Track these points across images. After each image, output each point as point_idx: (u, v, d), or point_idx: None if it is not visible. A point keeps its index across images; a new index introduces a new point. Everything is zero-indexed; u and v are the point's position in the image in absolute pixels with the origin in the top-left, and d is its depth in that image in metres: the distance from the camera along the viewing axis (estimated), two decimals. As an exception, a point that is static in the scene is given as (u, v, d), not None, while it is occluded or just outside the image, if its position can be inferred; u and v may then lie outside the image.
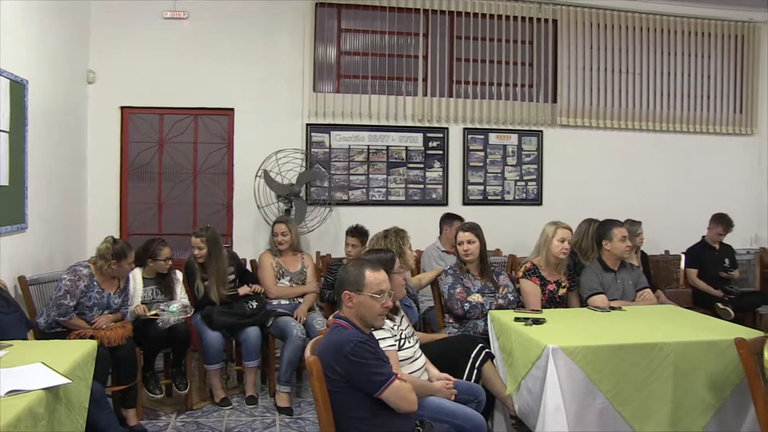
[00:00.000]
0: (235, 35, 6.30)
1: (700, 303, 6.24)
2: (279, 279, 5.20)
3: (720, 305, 6.03)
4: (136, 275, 4.63)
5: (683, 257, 6.76)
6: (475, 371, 3.68)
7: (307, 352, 2.80)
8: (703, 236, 6.61)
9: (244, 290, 4.96)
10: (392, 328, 3.24)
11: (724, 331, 3.66)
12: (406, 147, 6.68)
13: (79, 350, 3.10)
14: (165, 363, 4.86)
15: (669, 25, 7.35)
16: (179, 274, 4.88)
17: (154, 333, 4.37)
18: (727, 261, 6.47)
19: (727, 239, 6.59)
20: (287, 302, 5.14)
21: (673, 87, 7.40)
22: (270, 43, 6.37)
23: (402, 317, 3.47)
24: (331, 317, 3.01)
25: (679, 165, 7.41)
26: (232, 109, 6.34)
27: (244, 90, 6.32)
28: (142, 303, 4.54)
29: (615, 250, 4.63)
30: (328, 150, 6.52)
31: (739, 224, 6.67)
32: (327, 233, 6.36)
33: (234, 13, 6.29)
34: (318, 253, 6.20)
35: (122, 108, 6.15)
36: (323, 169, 6.45)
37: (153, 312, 4.45)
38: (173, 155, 6.29)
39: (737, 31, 7.57)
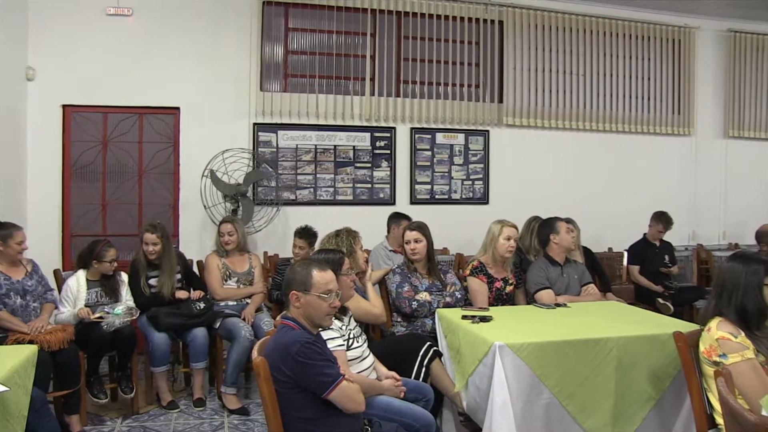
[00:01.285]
0: (180, 33, 6.21)
1: (642, 298, 6.42)
2: (226, 280, 5.14)
3: (660, 300, 6.21)
4: (80, 277, 4.53)
5: (626, 254, 6.93)
6: (424, 369, 3.71)
7: (255, 353, 2.78)
8: (645, 234, 6.80)
9: (181, 294, 4.87)
10: (341, 328, 3.24)
11: (663, 325, 3.77)
12: (354, 146, 6.69)
13: (17, 356, 3.02)
14: (110, 366, 4.75)
15: (610, 28, 7.54)
16: (124, 276, 4.78)
17: (98, 336, 4.27)
18: (666, 257, 6.67)
19: (667, 236, 6.80)
20: (235, 303, 5.08)
21: (615, 88, 7.59)
22: (216, 41, 6.30)
23: (350, 317, 3.47)
24: (278, 317, 2.99)
25: (621, 164, 7.61)
26: (178, 108, 6.24)
27: (190, 89, 6.23)
28: (86, 306, 4.42)
29: (563, 242, 4.77)
30: (275, 149, 6.48)
31: (678, 221, 6.90)
32: (274, 233, 6.33)
33: (179, 11, 6.20)
34: (266, 253, 6.15)
35: (64, 106, 5.99)
36: (270, 169, 6.41)
37: (97, 315, 4.35)
38: (118, 155, 6.15)
39: (674, 35, 7.81)
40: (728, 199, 8.09)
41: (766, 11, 7.79)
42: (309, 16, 6.63)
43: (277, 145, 6.48)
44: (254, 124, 6.41)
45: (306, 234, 5.34)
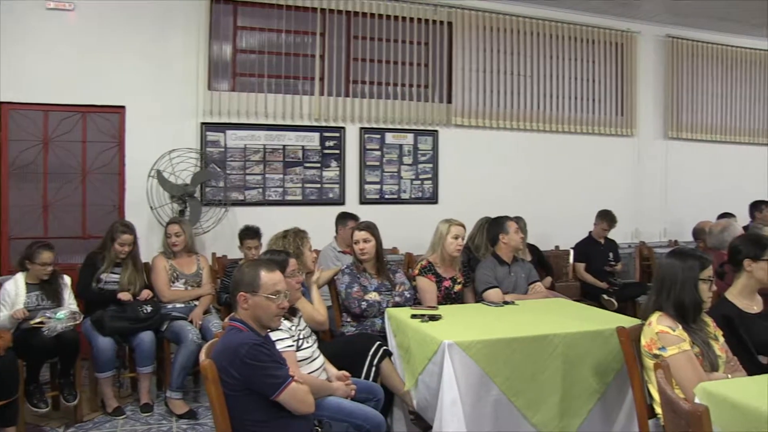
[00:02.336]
0: (125, 29, 6.05)
1: (587, 295, 6.57)
2: (173, 282, 5.05)
3: (605, 296, 6.36)
4: (18, 280, 4.38)
5: (572, 252, 7.07)
6: (373, 369, 3.73)
7: (202, 356, 2.75)
8: (590, 232, 6.95)
9: (123, 296, 4.74)
10: (290, 329, 3.23)
11: (607, 320, 3.85)
12: (303, 146, 6.65)
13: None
14: (51, 373, 4.60)
15: (557, 31, 7.67)
16: (67, 279, 4.63)
17: (39, 342, 4.12)
18: (611, 255, 6.82)
19: (611, 234, 6.96)
20: (182, 305, 4.99)
21: (561, 90, 7.74)
22: (163, 39, 6.17)
23: (300, 317, 3.46)
24: (226, 319, 2.97)
25: (567, 164, 7.76)
26: (123, 107, 6.09)
27: (135, 87, 6.08)
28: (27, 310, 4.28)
29: (512, 242, 4.82)
30: (223, 149, 6.40)
31: (621, 220, 7.07)
32: (223, 234, 6.24)
33: (124, 6, 6.04)
34: (214, 254, 6.08)
35: (0, 103, 5.78)
36: (218, 169, 6.34)
37: (38, 320, 4.20)
38: (60, 154, 5.97)
39: (617, 39, 8.01)
40: (668, 198, 8.36)
41: (701, 19, 8.11)
42: (258, 14, 6.56)
43: (226, 145, 6.41)
44: (202, 123, 6.31)
45: (253, 233, 5.32)
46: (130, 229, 4.91)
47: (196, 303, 5.03)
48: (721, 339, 3.08)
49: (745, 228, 6.24)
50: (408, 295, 4.47)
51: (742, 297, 3.39)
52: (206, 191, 6.30)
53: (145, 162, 5.92)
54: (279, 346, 2.95)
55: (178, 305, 4.97)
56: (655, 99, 8.29)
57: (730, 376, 2.92)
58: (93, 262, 4.83)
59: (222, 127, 6.38)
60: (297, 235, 4.23)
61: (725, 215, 6.52)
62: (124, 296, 4.73)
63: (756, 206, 7.50)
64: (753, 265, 3.36)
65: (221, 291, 5.24)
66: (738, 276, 3.44)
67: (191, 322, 4.81)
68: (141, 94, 6.11)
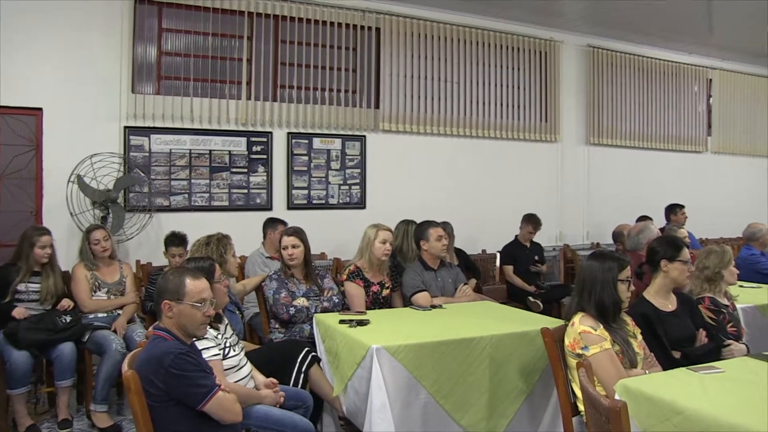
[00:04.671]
0: (43, 27, 5.80)
1: (514, 297, 6.70)
2: (95, 291, 4.86)
3: (531, 298, 6.51)
4: None
5: (498, 255, 7.20)
6: (302, 375, 3.72)
7: (125, 367, 2.68)
8: (516, 235, 7.09)
9: (18, 312, 4.46)
10: (216, 337, 3.18)
11: (533, 322, 3.95)
12: (230, 151, 6.55)
13: None
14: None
15: (483, 39, 7.82)
16: (-24, 293, 4.41)
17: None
18: (536, 258, 6.99)
19: (536, 237, 7.13)
20: (105, 315, 4.82)
21: (488, 96, 7.88)
22: (83, 39, 5.95)
23: (226, 325, 3.41)
24: (150, 328, 2.90)
25: (493, 169, 7.92)
26: (41, 109, 5.85)
27: (54, 88, 5.85)
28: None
29: (432, 249, 4.85)
30: (147, 154, 6.24)
31: (546, 223, 7.26)
32: (147, 241, 6.09)
33: (42, 3, 5.80)
34: (138, 261, 5.91)
35: None
36: (142, 174, 6.18)
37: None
38: (-30, 158, 5.72)
39: (541, 47, 8.23)
40: (590, 202, 8.64)
41: (619, 30, 8.46)
42: (184, 17, 6.42)
43: (150, 149, 6.25)
44: (125, 127, 6.13)
45: (179, 240, 5.22)
46: (46, 230, 4.72)
47: (120, 312, 4.87)
48: (639, 337, 3.22)
49: (662, 230, 6.47)
50: (336, 300, 4.47)
51: (658, 296, 3.55)
52: (130, 197, 6.13)
53: (65, 166, 5.70)
54: (205, 355, 2.91)
55: (100, 315, 4.80)
56: (577, 106, 8.56)
57: (647, 371, 3.05)
58: (5, 274, 4.57)
59: (146, 131, 6.22)
60: (220, 242, 4.17)
61: (643, 218, 6.78)
62: (19, 313, 4.43)
63: (671, 209, 7.86)
64: (669, 265, 3.52)
65: (146, 299, 5.11)
66: (655, 276, 3.60)
67: (114, 331, 4.65)
68: (59, 96, 5.88)
